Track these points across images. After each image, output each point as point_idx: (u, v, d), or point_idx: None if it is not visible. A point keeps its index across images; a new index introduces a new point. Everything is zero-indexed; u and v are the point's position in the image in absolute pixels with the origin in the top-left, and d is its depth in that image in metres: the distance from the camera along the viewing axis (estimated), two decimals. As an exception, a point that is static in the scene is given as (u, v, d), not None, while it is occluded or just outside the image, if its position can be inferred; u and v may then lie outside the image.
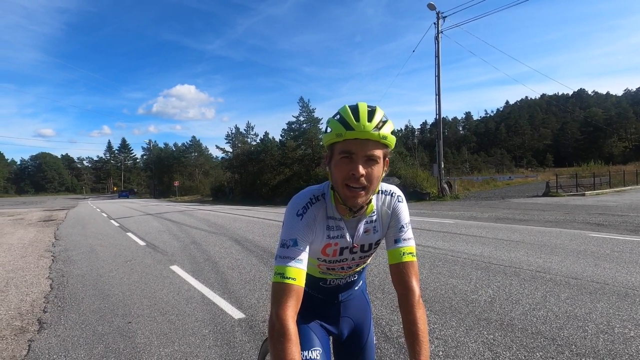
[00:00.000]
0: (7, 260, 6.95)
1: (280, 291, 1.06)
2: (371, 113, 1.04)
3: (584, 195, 18.77)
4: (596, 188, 21.31)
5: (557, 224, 9.14)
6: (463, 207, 15.01)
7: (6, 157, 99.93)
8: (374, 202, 1.20)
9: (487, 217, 11.08)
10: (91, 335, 3.29)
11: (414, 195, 20.76)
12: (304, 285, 1.09)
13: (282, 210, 18.43)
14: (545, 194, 19.49)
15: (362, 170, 1.03)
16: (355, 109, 1.05)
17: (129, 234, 10.37)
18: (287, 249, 1.10)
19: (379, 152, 1.05)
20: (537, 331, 2.98)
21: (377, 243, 1.28)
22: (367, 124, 1.02)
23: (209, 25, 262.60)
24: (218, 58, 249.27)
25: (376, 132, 1.02)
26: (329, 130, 1.08)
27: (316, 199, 1.18)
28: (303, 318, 1.30)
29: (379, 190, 1.23)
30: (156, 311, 3.86)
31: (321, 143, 31.58)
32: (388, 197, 1.24)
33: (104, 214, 19.07)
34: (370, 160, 1.04)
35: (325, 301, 1.41)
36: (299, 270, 1.08)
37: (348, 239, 1.21)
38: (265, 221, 12.65)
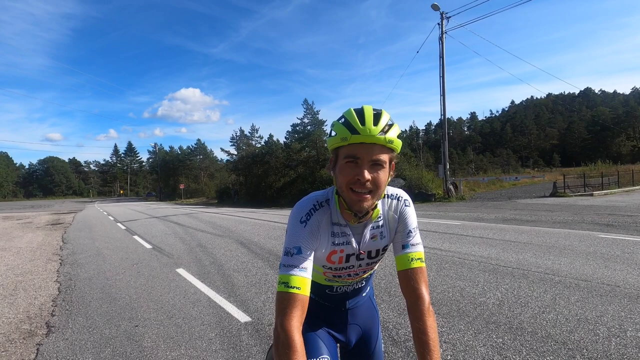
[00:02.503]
0: (16, 264, 7.02)
1: (284, 301, 1.04)
2: (377, 116, 1.02)
3: (592, 195, 18.54)
4: (604, 188, 21.04)
5: (566, 224, 9.03)
6: (469, 208, 14.90)
7: (15, 162, 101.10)
8: (379, 206, 1.18)
9: (493, 218, 10.99)
10: (99, 339, 3.30)
11: (419, 196, 20.67)
12: (309, 294, 1.07)
13: (287, 212, 18.43)
14: (553, 195, 19.29)
15: (367, 175, 1.01)
16: (360, 113, 1.03)
17: (136, 237, 10.43)
18: (291, 257, 1.08)
19: (384, 157, 1.03)
20: (547, 335, 2.94)
21: (385, 249, 1.25)
22: (373, 127, 1.00)
23: (213, 29, 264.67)
24: (222, 61, 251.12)
25: (382, 136, 1.00)
26: (333, 133, 1.06)
27: (320, 205, 1.16)
28: (310, 326, 1.28)
29: (385, 194, 1.21)
30: (163, 314, 3.87)
31: (325, 145, 31.48)
32: (395, 201, 1.21)
33: (110, 217, 19.21)
34: (376, 165, 1.03)
35: (332, 309, 1.39)
36: (303, 279, 1.06)
37: (354, 245, 1.18)
38: (270, 223, 12.65)
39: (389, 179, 1.09)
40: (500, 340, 2.89)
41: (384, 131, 1.01)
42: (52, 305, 4.39)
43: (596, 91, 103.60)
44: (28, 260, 7.43)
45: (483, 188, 28.07)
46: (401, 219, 1.21)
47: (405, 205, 1.22)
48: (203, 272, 5.67)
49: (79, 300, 4.55)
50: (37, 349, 3.17)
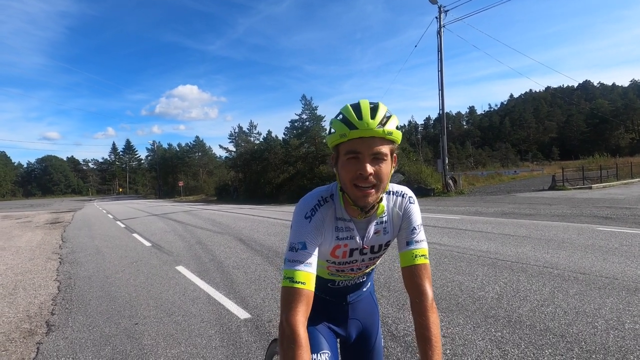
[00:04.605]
0: (16, 263, 7.02)
1: (289, 296, 1.04)
2: (374, 110, 1.02)
3: (590, 188, 18.58)
4: (603, 181, 21.09)
5: (564, 218, 9.05)
6: (468, 203, 14.92)
7: (13, 161, 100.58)
8: (384, 202, 1.18)
9: (492, 212, 11.01)
10: (98, 337, 3.31)
11: (418, 191, 20.68)
12: (313, 290, 1.08)
13: (286, 208, 18.44)
14: (552, 188, 19.32)
15: (369, 169, 1.01)
16: (357, 107, 1.03)
17: (135, 234, 10.43)
18: (296, 252, 1.09)
19: (385, 149, 1.03)
20: (545, 328, 2.95)
21: (387, 244, 1.26)
22: (371, 121, 1.00)
23: (210, 26, 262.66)
24: (219, 58, 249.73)
25: (380, 129, 1.00)
26: (332, 131, 1.06)
27: (324, 200, 1.16)
28: (311, 320, 1.28)
29: (390, 191, 1.21)
30: (162, 312, 3.88)
31: (325, 140, 31.56)
32: (399, 198, 1.22)
33: (110, 215, 19.20)
34: (377, 158, 1.02)
35: (333, 303, 1.39)
36: (308, 274, 1.07)
37: (358, 240, 1.19)
38: (269, 220, 12.66)
39: (392, 171, 1.09)
40: (499, 334, 2.90)
41: (382, 123, 1.01)
42: (52, 304, 4.39)
43: (595, 84, 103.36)
44: (27, 259, 7.43)
45: (482, 182, 28.09)
46: (405, 216, 1.21)
47: (410, 203, 1.22)
48: (202, 270, 5.68)
49: (78, 298, 4.56)
50: (38, 348, 3.18)
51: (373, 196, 1.06)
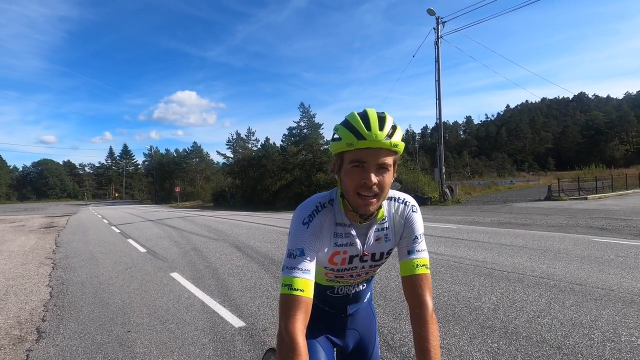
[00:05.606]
0: (8, 268, 6.92)
1: (288, 303, 1.03)
2: (381, 120, 1.01)
3: (586, 199, 18.67)
4: (598, 192, 21.18)
5: (560, 228, 9.08)
6: (465, 212, 14.94)
7: (8, 164, 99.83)
8: (385, 208, 1.18)
9: (489, 222, 11.02)
10: (90, 345, 3.25)
11: (415, 200, 20.58)
12: (312, 297, 1.06)
13: (283, 215, 18.37)
14: (548, 198, 19.41)
15: (374, 179, 1.01)
16: (365, 117, 1.02)
17: (130, 240, 10.34)
18: (294, 259, 1.08)
19: (389, 160, 1.03)
20: (542, 339, 2.93)
21: (389, 252, 1.24)
22: (379, 132, 0.99)
23: (209, 33, 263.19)
24: (219, 64, 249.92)
25: (388, 141, 1.00)
26: (337, 137, 1.05)
27: (322, 206, 1.15)
28: (309, 329, 1.28)
29: (392, 197, 1.21)
30: (156, 320, 3.83)
31: (322, 148, 31.62)
32: (402, 206, 1.21)
33: (105, 220, 19.05)
34: (382, 169, 1.02)
35: (333, 314, 1.38)
36: (306, 281, 1.06)
37: (358, 247, 1.17)
38: (266, 227, 12.61)
39: (392, 179, 1.09)
40: (496, 345, 2.88)
41: (389, 135, 1.01)
42: (43, 310, 4.32)
43: (590, 96, 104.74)
44: (20, 264, 7.33)
45: (479, 191, 28.19)
46: (407, 224, 1.20)
47: (413, 211, 1.21)
48: (197, 276, 5.62)
49: (70, 305, 4.49)
50: (27, 355, 3.12)
51: (374, 205, 1.06)
